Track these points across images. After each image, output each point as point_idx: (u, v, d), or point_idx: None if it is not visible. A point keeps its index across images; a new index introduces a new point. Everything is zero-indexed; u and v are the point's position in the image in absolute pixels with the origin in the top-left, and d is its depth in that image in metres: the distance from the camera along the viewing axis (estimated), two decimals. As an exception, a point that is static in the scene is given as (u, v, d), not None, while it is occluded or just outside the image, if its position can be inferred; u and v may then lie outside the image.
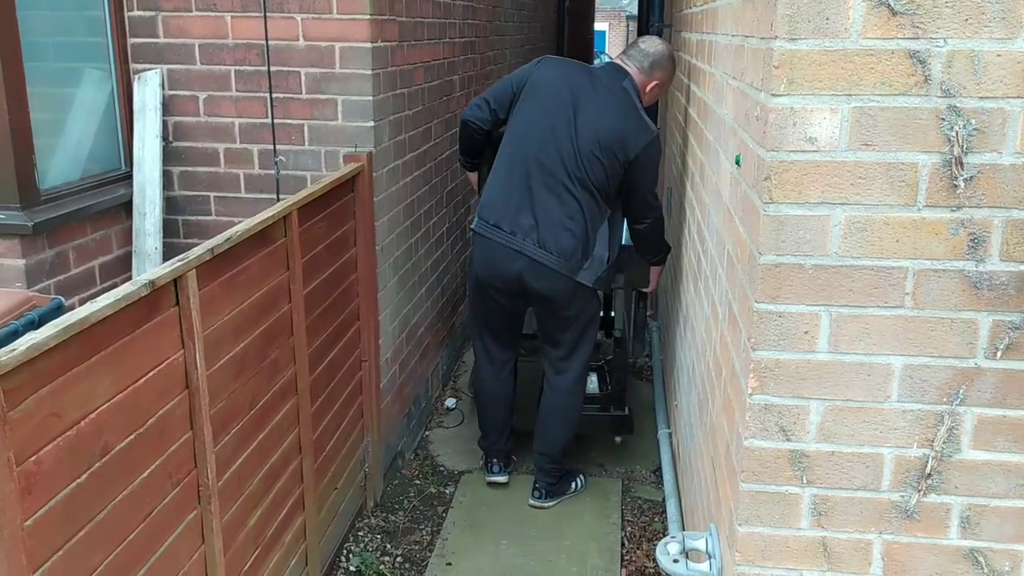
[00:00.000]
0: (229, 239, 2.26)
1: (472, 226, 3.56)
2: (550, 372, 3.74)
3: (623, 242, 3.64)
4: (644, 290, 4.02)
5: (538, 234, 3.36)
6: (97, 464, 1.75)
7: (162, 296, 1.98)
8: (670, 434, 3.87)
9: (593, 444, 4.33)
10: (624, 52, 3.57)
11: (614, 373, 4.19)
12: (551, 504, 3.79)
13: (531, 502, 3.78)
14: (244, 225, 2.38)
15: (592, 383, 4.15)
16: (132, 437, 1.87)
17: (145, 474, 1.93)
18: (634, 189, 3.42)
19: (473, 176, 3.92)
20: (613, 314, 4.25)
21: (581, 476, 3.96)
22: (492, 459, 3.95)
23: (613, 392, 4.15)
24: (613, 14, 35.27)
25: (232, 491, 2.36)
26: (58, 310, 2.38)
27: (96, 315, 1.71)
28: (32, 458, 1.57)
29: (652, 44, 3.51)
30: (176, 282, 2.03)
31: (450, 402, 4.80)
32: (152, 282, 1.89)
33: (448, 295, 4.98)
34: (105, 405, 1.77)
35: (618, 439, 4.23)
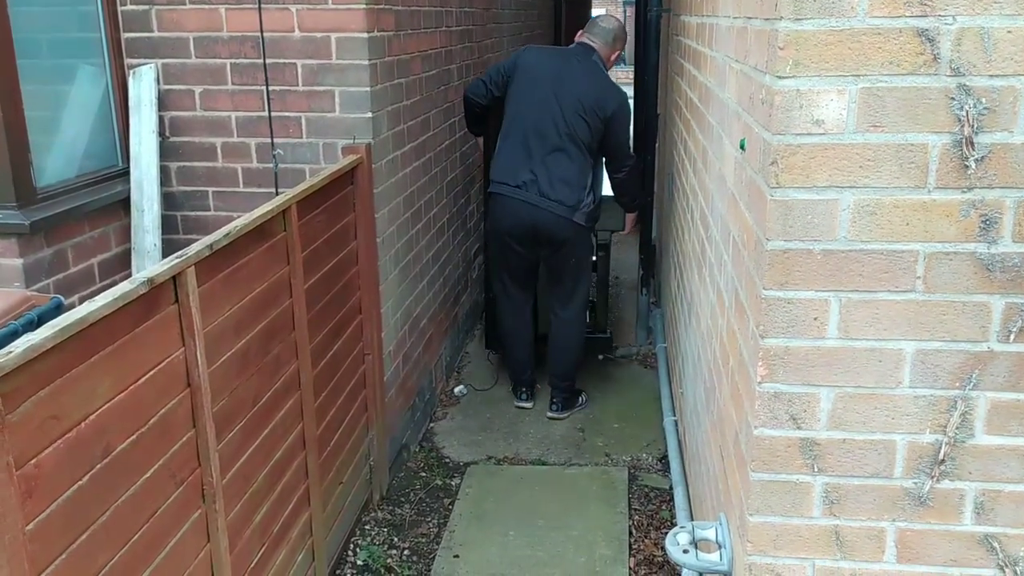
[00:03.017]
0: (228, 234, 2.23)
1: (489, 189, 4.32)
2: (557, 307, 4.46)
3: (602, 193, 4.43)
4: (620, 232, 4.93)
5: (539, 187, 4.12)
6: (99, 465, 1.73)
7: (161, 294, 1.95)
8: (676, 422, 3.85)
9: (598, 431, 4.33)
10: (587, 31, 4.38)
11: (597, 307, 5.03)
12: (565, 415, 4.51)
13: (549, 414, 4.51)
14: (243, 220, 2.36)
15: None
16: (134, 437, 1.85)
17: (148, 474, 1.91)
18: (613, 141, 4.21)
19: (479, 140, 4.87)
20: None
21: (584, 394, 4.67)
22: (521, 388, 4.67)
23: (597, 320, 5.01)
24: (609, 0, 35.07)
25: (236, 489, 2.34)
26: (57, 309, 2.36)
27: (95, 315, 1.68)
28: (32, 461, 1.55)
29: (609, 21, 4.42)
30: (175, 279, 2.00)
31: (459, 389, 4.81)
32: (151, 280, 1.87)
33: (450, 285, 4.95)
34: (106, 406, 1.74)
35: (600, 356, 5.05)
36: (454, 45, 4.78)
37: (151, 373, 1.91)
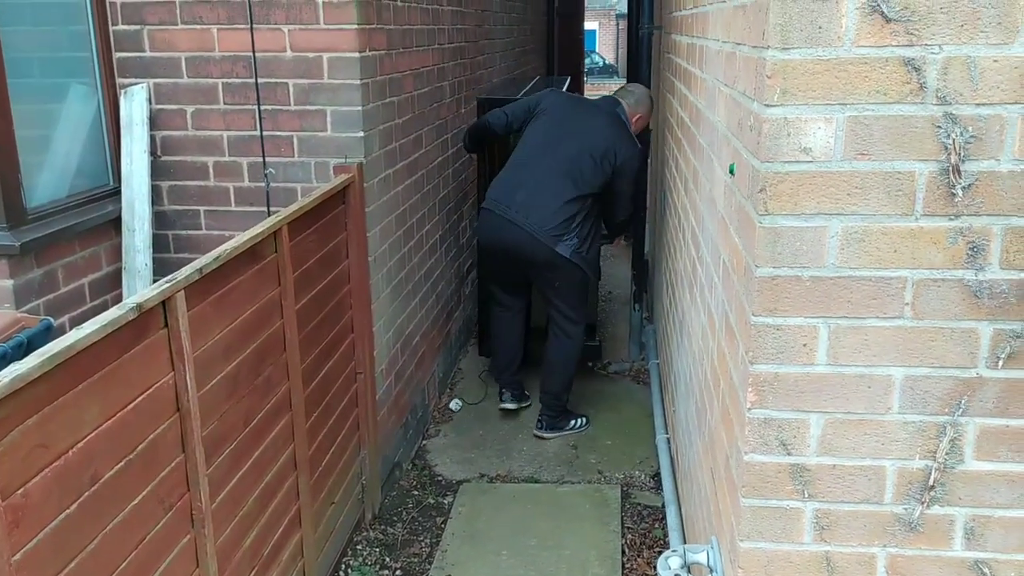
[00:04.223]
0: (218, 258, 2.23)
1: (482, 204, 4.48)
2: (553, 326, 4.50)
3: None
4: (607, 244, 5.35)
5: (527, 210, 4.20)
6: (87, 493, 1.72)
7: (150, 319, 1.95)
8: (668, 439, 3.85)
9: (591, 448, 4.32)
10: (617, 92, 4.63)
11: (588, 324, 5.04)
12: (551, 436, 4.47)
13: (534, 432, 4.50)
14: (233, 243, 2.35)
15: None
16: (122, 464, 1.84)
17: (136, 500, 1.90)
18: (617, 190, 4.33)
19: (473, 156, 5.15)
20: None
21: (583, 418, 4.60)
22: (503, 389, 4.71)
23: (587, 330, 4.95)
24: (603, 13, 35.28)
25: (226, 512, 2.33)
26: (48, 331, 2.35)
27: (82, 342, 1.68)
28: (19, 491, 1.54)
29: (637, 88, 4.67)
30: (164, 304, 2.00)
31: (454, 404, 4.82)
32: (139, 305, 1.86)
33: (443, 302, 4.95)
34: (93, 433, 1.74)
35: (590, 363, 5.17)
36: (446, 63, 4.80)
37: (140, 398, 1.91)
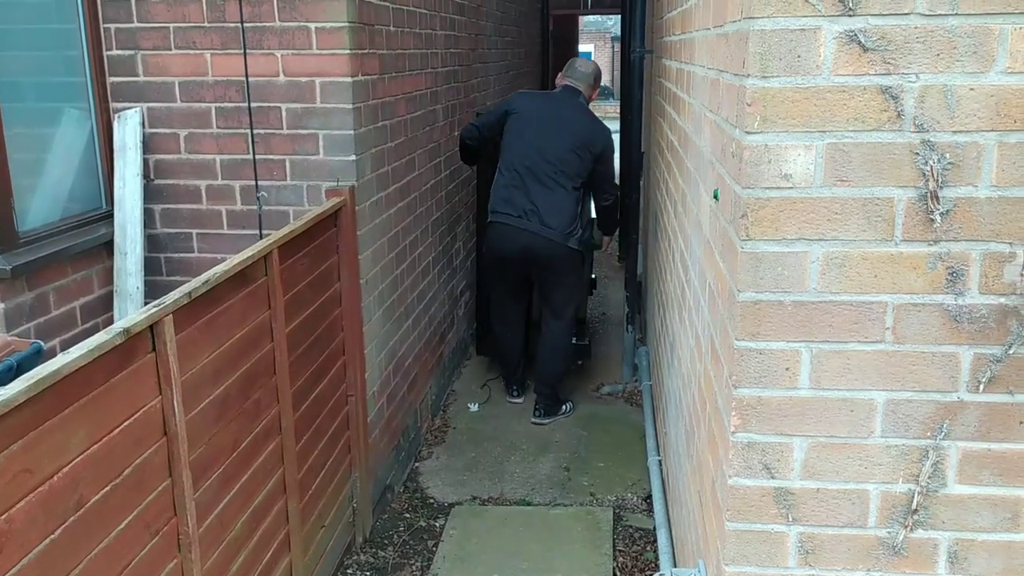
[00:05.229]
0: (207, 281, 2.24)
1: (489, 219, 4.77)
2: (548, 317, 4.89)
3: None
4: (598, 250, 5.57)
5: (539, 216, 4.57)
6: (72, 518, 1.72)
7: (138, 343, 1.95)
8: (660, 461, 3.84)
9: (584, 470, 4.32)
10: (567, 75, 4.89)
11: (577, 319, 5.35)
12: (548, 422, 4.84)
13: (532, 420, 4.85)
14: (223, 266, 2.36)
15: None
16: (108, 488, 1.84)
17: (122, 525, 1.90)
18: (601, 173, 4.71)
19: (474, 170, 5.49)
20: (593, 275, 5.86)
21: (570, 403, 5.02)
22: (512, 386, 5.11)
23: (576, 330, 5.33)
24: (598, 36, 35.51)
25: (214, 537, 2.32)
26: (38, 354, 2.35)
27: (69, 367, 1.68)
28: (3, 516, 1.54)
29: (586, 65, 4.97)
30: (152, 328, 2.01)
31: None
32: (127, 330, 1.87)
33: (436, 324, 4.95)
34: (79, 458, 1.74)
35: (579, 362, 5.41)
36: (440, 86, 4.83)
37: (127, 423, 1.91)
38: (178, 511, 2.12)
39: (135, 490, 1.95)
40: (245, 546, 2.53)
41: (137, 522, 1.95)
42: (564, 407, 4.96)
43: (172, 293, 2.12)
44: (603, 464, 4.44)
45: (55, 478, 1.67)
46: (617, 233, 5.79)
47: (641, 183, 5.44)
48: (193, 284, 2.19)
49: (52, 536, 1.67)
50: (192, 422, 2.18)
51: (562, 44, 11.86)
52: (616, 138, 5.68)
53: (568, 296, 4.83)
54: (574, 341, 5.21)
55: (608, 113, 17.16)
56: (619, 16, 9.41)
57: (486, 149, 4.92)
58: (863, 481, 1.70)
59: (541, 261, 4.65)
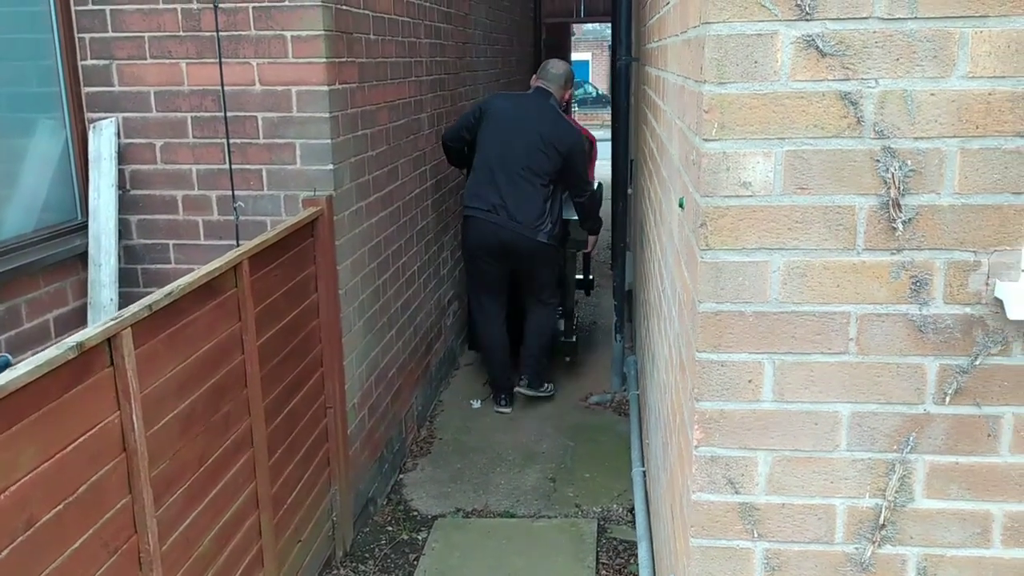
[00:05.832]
0: (170, 294, 2.20)
1: (464, 213, 4.95)
2: (530, 302, 5.16)
3: (565, 216, 5.16)
4: (584, 251, 5.61)
5: (508, 211, 4.78)
6: (20, 538, 1.68)
7: (94, 357, 1.92)
8: (643, 472, 3.80)
9: (569, 481, 4.28)
10: (540, 77, 5.07)
11: (565, 315, 5.62)
12: (532, 393, 5.11)
13: (518, 389, 5.12)
14: (187, 278, 2.33)
15: None
16: (60, 507, 1.80)
17: (77, 544, 1.85)
18: (572, 172, 4.90)
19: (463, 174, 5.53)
20: (592, 276, 6.23)
21: (552, 384, 5.32)
22: (500, 395, 5.15)
23: (565, 327, 5.62)
24: (596, 44, 35.54)
25: (178, 555, 2.28)
26: (5, 367, 2.32)
27: (16, 383, 1.64)
28: (-56, 537, 1.50)
29: (558, 67, 5.13)
30: (110, 341, 1.97)
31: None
32: (80, 344, 1.83)
33: (421, 334, 4.91)
34: (28, 476, 1.70)
35: (567, 359, 5.62)
36: (424, 95, 4.81)
37: (82, 439, 1.87)
38: (139, 528, 2.08)
39: (92, 507, 1.91)
40: (214, 562, 2.49)
41: (94, 540, 1.91)
42: (547, 385, 5.22)
43: (132, 306, 2.08)
44: (589, 475, 4.39)
45: (2, 497, 1.63)
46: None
47: (629, 191, 5.41)
48: (155, 296, 2.16)
49: (-2, 556, 1.63)
50: (154, 437, 2.14)
51: (555, 52, 11.84)
52: (607, 146, 5.70)
53: (545, 284, 5.08)
54: (563, 339, 5.49)
55: (605, 121, 17.17)
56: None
57: (471, 150, 4.99)
58: (829, 496, 1.66)
59: (513, 254, 4.87)
